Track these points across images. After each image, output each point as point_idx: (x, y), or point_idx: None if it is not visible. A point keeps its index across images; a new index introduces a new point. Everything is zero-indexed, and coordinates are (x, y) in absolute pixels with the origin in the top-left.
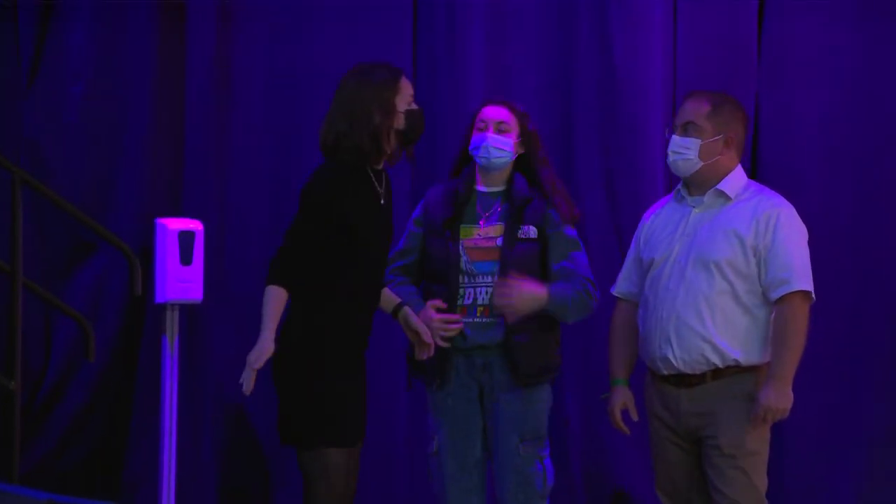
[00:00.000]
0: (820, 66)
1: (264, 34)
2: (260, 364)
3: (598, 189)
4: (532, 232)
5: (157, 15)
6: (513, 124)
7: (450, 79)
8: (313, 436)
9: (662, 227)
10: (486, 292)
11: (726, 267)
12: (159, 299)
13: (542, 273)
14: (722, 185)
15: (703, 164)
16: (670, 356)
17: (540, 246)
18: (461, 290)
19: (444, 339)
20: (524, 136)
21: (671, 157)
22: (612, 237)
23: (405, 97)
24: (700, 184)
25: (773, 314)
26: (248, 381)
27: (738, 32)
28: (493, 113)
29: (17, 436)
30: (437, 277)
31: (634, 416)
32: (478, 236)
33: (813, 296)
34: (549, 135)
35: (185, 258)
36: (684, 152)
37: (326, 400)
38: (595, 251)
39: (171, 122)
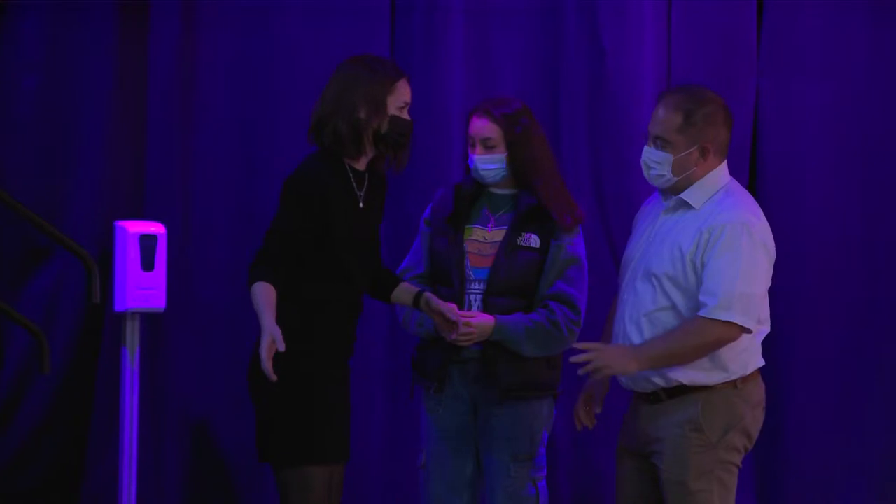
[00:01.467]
0: (824, 57)
1: (231, 30)
2: (271, 353)
3: (587, 189)
4: (534, 241)
5: (117, 6)
6: (498, 137)
7: (428, 76)
8: (294, 452)
9: (640, 224)
10: (475, 300)
11: (667, 282)
12: (119, 307)
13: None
14: (686, 194)
15: (677, 178)
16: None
17: (541, 256)
18: (466, 297)
19: (461, 337)
20: (510, 145)
21: (644, 170)
22: (601, 238)
23: (398, 101)
24: (674, 191)
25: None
26: (271, 369)
27: (735, 22)
28: (477, 128)
29: None
30: (441, 279)
31: (596, 408)
32: (483, 240)
33: (742, 325)
34: None
35: (147, 264)
36: (656, 167)
37: (306, 413)
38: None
39: (132, 118)
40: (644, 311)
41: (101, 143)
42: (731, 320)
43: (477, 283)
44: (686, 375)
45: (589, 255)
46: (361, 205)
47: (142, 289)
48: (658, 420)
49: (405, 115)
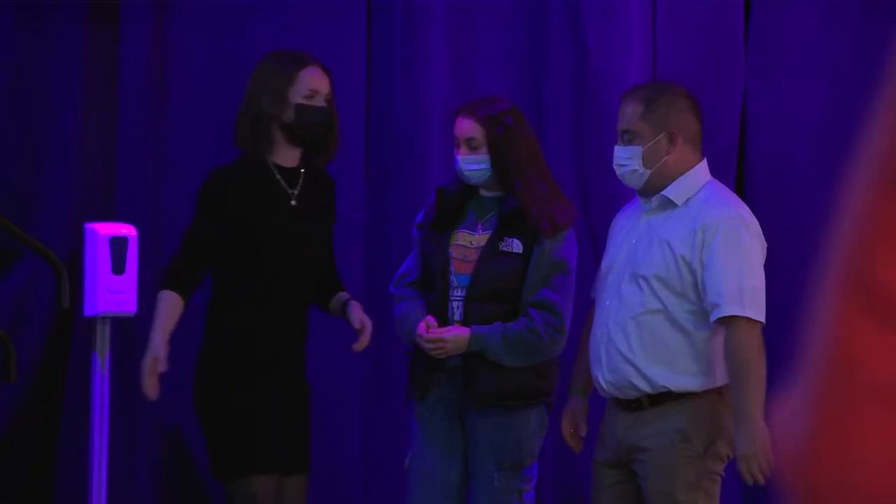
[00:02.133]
0: (812, 57)
1: (204, 28)
2: (150, 372)
3: (572, 191)
4: (516, 245)
5: (87, 5)
6: (481, 137)
7: (407, 74)
8: (225, 464)
9: (619, 229)
10: (457, 307)
11: (656, 283)
12: (89, 312)
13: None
14: (668, 191)
15: (650, 171)
16: (600, 378)
17: (524, 262)
18: (450, 303)
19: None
20: (493, 146)
21: (617, 171)
22: (585, 241)
23: (301, 89)
24: (651, 188)
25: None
26: (150, 389)
27: (722, 21)
28: (461, 128)
29: None
30: (429, 284)
31: (581, 431)
32: (468, 245)
33: (756, 318)
34: None
35: (118, 267)
36: (627, 163)
37: (232, 424)
38: None
39: (103, 118)
40: (631, 314)
41: (70, 143)
42: (745, 315)
43: (460, 290)
44: (673, 380)
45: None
46: (294, 203)
47: (112, 292)
48: (640, 429)
49: (316, 104)
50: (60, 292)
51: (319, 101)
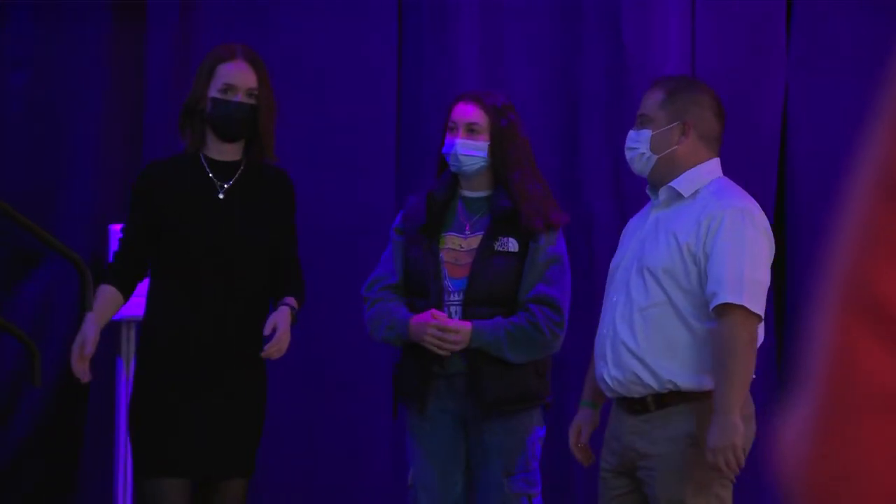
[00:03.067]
0: (857, 51)
1: (231, 26)
2: (78, 356)
3: (606, 189)
4: (512, 244)
5: (112, 3)
6: (484, 124)
7: (438, 71)
8: (140, 462)
9: (632, 229)
10: (455, 312)
11: (663, 275)
12: (113, 315)
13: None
14: (676, 183)
15: (657, 157)
16: (605, 375)
17: (520, 261)
18: (445, 309)
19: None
20: (495, 135)
21: (626, 155)
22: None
23: (217, 83)
24: (659, 180)
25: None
26: (80, 372)
27: (764, 17)
28: (463, 112)
29: None
30: (417, 291)
31: (584, 439)
32: (459, 248)
33: (755, 311)
34: (553, 131)
35: None
36: (636, 146)
37: (150, 422)
38: (601, 256)
39: (127, 118)
40: (637, 308)
41: (94, 144)
42: (742, 303)
43: (455, 294)
44: (678, 376)
45: (604, 260)
46: (221, 196)
47: (137, 295)
48: (649, 434)
49: (229, 98)
50: (84, 295)
51: (235, 96)
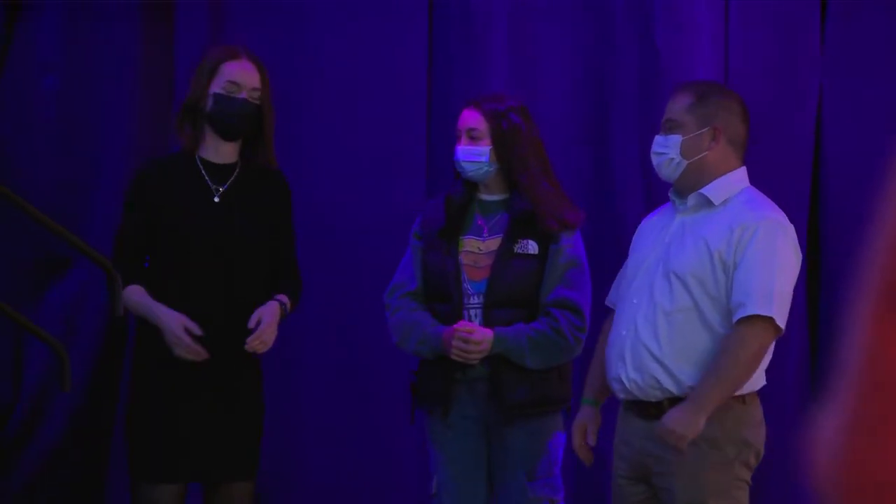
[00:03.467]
0: (891, 52)
1: (260, 29)
2: (189, 339)
3: (637, 191)
4: (531, 247)
5: (141, 5)
6: (483, 129)
7: (468, 76)
8: (135, 466)
9: (648, 233)
10: (475, 315)
11: (691, 280)
12: None
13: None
14: (706, 190)
15: (687, 162)
16: (622, 377)
17: (540, 263)
18: (465, 312)
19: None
20: (497, 139)
21: (654, 160)
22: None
23: (221, 80)
24: (687, 186)
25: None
26: (197, 352)
27: (797, 17)
28: (464, 118)
29: None
30: (437, 295)
31: (591, 440)
32: (478, 251)
33: (779, 325)
34: (584, 135)
35: None
36: (665, 151)
37: (148, 426)
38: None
39: (157, 122)
40: (662, 312)
41: (124, 148)
42: (771, 315)
43: (475, 297)
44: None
45: None
46: (217, 199)
47: None
48: None
49: (233, 95)
50: (114, 300)
51: (240, 94)
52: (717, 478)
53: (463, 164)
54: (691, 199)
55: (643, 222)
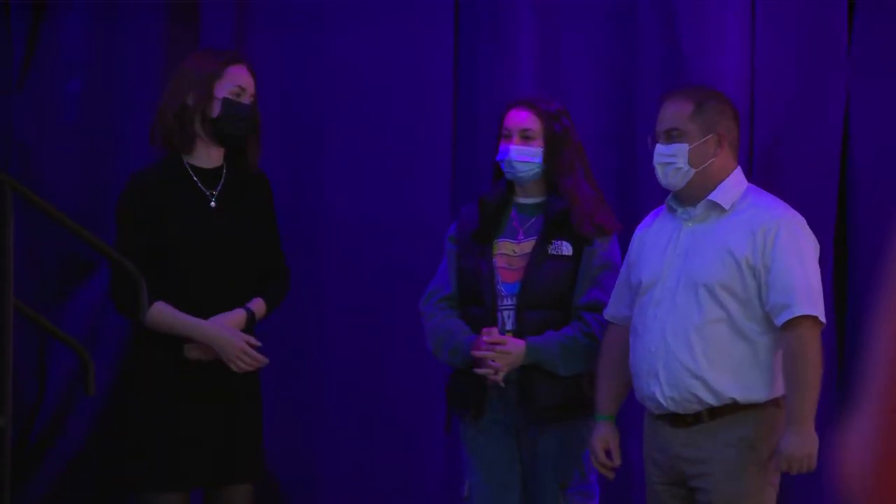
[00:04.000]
0: None
1: (285, 32)
2: (248, 353)
3: (663, 195)
4: (566, 248)
5: (166, 7)
6: (538, 129)
7: (494, 79)
8: (136, 476)
9: (652, 243)
10: (508, 316)
11: (720, 291)
12: None
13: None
14: (715, 195)
15: (695, 171)
16: (658, 395)
17: (574, 264)
18: (499, 314)
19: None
20: (549, 140)
21: (658, 170)
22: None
23: (228, 86)
24: (692, 194)
25: (783, 346)
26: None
27: (825, 20)
28: (517, 118)
29: (6, 479)
30: (471, 299)
31: (617, 459)
32: (512, 253)
33: (822, 320)
34: (609, 138)
35: None
36: (672, 161)
37: (148, 434)
38: None
39: None
40: (693, 326)
41: (149, 151)
42: (815, 314)
43: (509, 299)
44: (739, 392)
45: None
46: (213, 204)
47: None
48: (701, 442)
49: (241, 100)
50: (139, 304)
51: (245, 99)
52: (752, 479)
53: (515, 163)
54: (700, 208)
55: (640, 232)
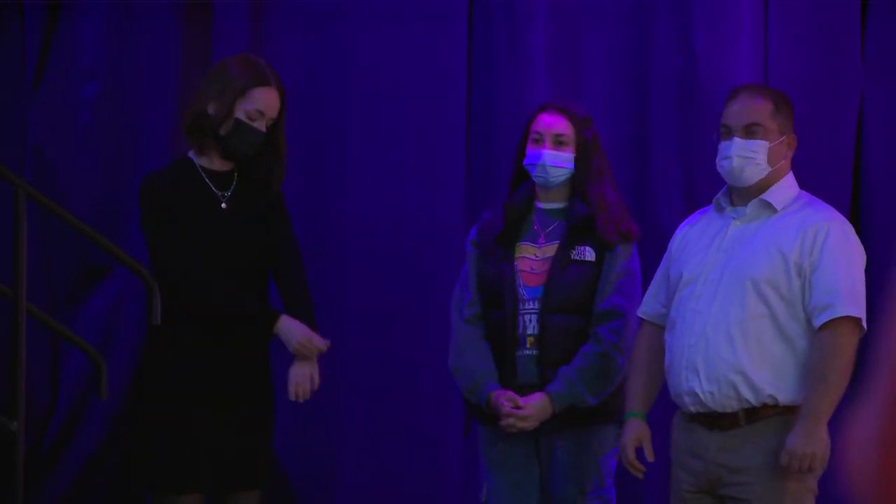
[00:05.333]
0: None
1: (299, 34)
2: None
3: (677, 199)
4: (588, 253)
5: (180, 10)
6: (571, 136)
7: (508, 81)
8: (154, 478)
9: (696, 240)
10: (529, 321)
11: (766, 287)
12: None
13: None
14: (768, 195)
15: (770, 169)
16: (697, 389)
17: (597, 269)
18: (520, 318)
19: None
20: (580, 147)
21: (735, 163)
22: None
23: (248, 109)
24: (750, 192)
25: (816, 344)
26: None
27: (838, 24)
28: (550, 122)
29: (20, 483)
30: (492, 302)
31: (650, 456)
32: (534, 257)
33: (864, 325)
34: (622, 141)
35: None
36: (753, 156)
37: (164, 436)
38: None
39: None
40: (735, 321)
41: (163, 154)
42: (858, 315)
43: (531, 303)
44: (781, 391)
45: None
46: (224, 206)
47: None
48: (740, 449)
49: (257, 126)
50: (152, 309)
51: (261, 124)
52: (794, 488)
53: (549, 168)
54: (751, 206)
55: (684, 229)
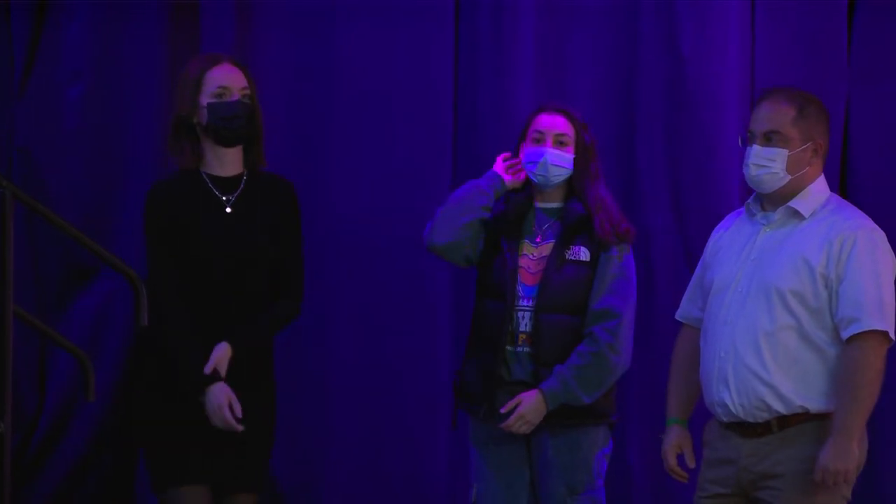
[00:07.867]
0: None
1: (286, 33)
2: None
3: (664, 204)
4: (583, 254)
5: (166, 10)
6: (571, 137)
7: (495, 81)
8: (158, 475)
9: (728, 245)
10: (523, 317)
11: (792, 298)
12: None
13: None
14: (795, 203)
15: (790, 177)
16: (727, 401)
17: (591, 270)
18: (515, 314)
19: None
20: (580, 148)
21: (753, 171)
22: (679, 256)
23: (209, 89)
24: (777, 198)
25: (844, 357)
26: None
27: (824, 26)
28: (552, 123)
29: (7, 484)
30: (492, 292)
31: (691, 463)
32: (531, 255)
33: (892, 337)
34: (609, 143)
35: None
36: (769, 165)
37: (164, 433)
38: (660, 272)
39: None
40: (762, 332)
41: (150, 156)
42: (885, 329)
43: (526, 300)
44: (812, 401)
45: (666, 273)
46: (229, 209)
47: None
48: (772, 455)
49: (226, 99)
50: (139, 310)
51: (232, 96)
52: (825, 496)
53: (550, 166)
54: (780, 213)
55: (717, 234)
